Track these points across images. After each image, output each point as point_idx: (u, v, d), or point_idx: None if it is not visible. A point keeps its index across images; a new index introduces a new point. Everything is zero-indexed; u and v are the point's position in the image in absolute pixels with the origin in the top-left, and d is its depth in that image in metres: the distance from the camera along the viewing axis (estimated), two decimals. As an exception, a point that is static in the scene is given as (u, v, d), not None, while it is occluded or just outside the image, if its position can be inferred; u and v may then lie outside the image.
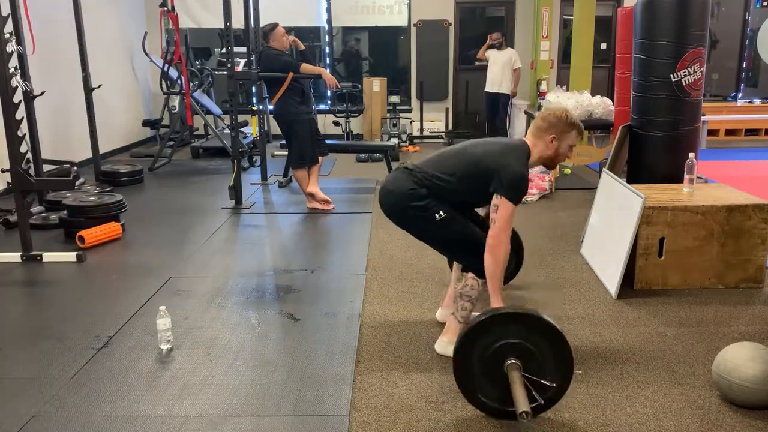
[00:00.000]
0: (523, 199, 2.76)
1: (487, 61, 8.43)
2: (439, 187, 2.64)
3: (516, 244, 3.43)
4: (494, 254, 2.53)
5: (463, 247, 2.71)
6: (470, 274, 2.71)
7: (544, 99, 7.22)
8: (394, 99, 9.41)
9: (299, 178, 5.44)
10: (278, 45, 5.34)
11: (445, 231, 2.67)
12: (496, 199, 2.53)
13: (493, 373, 2.23)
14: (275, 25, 5.40)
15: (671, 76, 3.96)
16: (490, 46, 8.39)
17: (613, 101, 6.14)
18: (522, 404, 2.03)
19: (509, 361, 2.19)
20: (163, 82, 7.67)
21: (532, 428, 2.25)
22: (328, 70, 9.68)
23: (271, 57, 5.27)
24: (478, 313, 2.79)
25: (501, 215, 2.52)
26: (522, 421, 2.03)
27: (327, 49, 9.81)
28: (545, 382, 2.19)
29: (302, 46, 5.55)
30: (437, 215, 2.63)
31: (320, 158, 5.52)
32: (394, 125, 8.99)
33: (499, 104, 8.50)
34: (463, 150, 2.73)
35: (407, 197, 2.65)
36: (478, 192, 2.61)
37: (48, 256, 4.11)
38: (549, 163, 2.76)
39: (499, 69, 8.31)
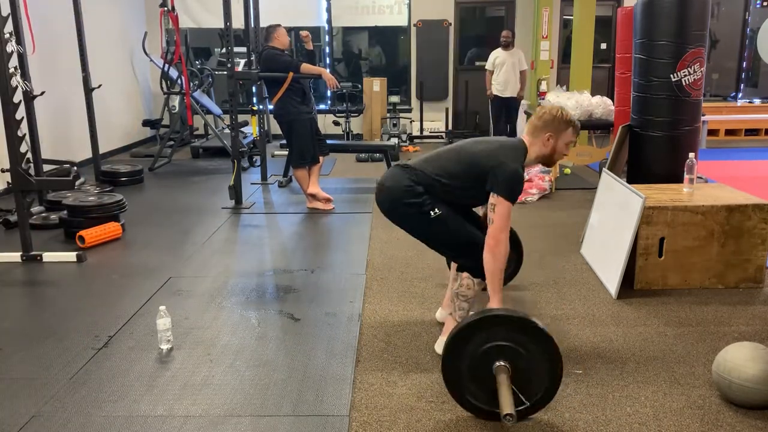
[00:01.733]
0: (521, 198, 2.75)
1: (493, 64, 7.92)
2: (436, 187, 2.64)
3: (515, 245, 3.43)
4: (494, 253, 2.53)
5: (458, 245, 2.70)
6: (465, 274, 2.71)
7: (544, 99, 7.21)
8: (394, 99, 9.41)
9: (300, 178, 5.44)
10: (279, 44, 5.35)
11: (440, 228, 2.67)
12: (493, 198, 2.54)
13: (481, 374, 2.22)
14: (276, 26, 5.41)
15: (671, 76, 3.96)
16: (501, 45, 7.90)
17: (613, 101, 6.14)
18: (507, 407, 2.03)
19: (498, 363, 2.18)
20: (163, 82, 7.67)
21: (532, 428, 2.25)
22: (328, 70, 9.72)
23: (271, 56, 5.27)
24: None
25: (498, 214, 2.52)
26: (507, 423, 2.01)
27: (327, 49, 9.81)
28: (522, 398, 2.21)
29: (311, 46, 5.55)
30: (432, 212, 2.63)
31: (321, 158, 5.52)
32: (394, 125, 8.99)
33: (512, 109, 8.04)
34: (459, 149, 2.73)
35: (403, 194, 2.65)
36: (475, 191, 2.62)
37: (48, 256, 4.11)
38: (546, 162, 2.75)
39: (510, 70, 7.84)
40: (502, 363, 2.18)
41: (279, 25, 5.42)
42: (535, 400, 2.24)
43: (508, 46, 7.86)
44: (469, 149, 2.69)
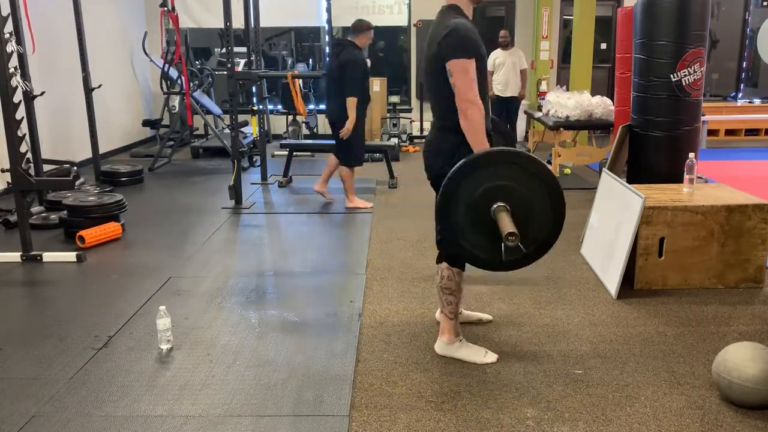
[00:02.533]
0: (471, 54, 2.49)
1: (492, 65, 7.84)
2: (453, 120, 2.52)
3: (504, 136, 3.29)
4: (467, 116, 2.43)
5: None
6: (443, 264, 2.71)
7: (544, 99, 7.22)
8: (394, 99, 9.40)
9: (346, 177, 5.44)
10: (361, 44, 5.25)
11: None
12: (448, 66, 2.43)
13: (480, 218, 2.13)
14: (369, 26, 5.30)
15: (671, 76, 3.97)
16: (499, 45, 7.85)
17: (613, 101, 6.14)
18: (508, 227, 1.94)
19: (496, 205, 2.11)
20: (163, 82, 7.67)
21: (532, 428, 2.25)
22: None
23: (353, 61, 5.11)
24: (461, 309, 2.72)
25: (457, 78, 2.43)
26: (509, 244, 1.93)
27: (327, 49, 9.80)
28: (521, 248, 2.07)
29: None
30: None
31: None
32: (394, 125, 8.98)
33: (511, 108, 7.96)
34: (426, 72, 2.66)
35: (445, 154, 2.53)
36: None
37: (48, 256, 4.11)
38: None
39: (510, 70, 7.79)
40: (500, 204, 2.10)
41: (371, 28, 5.29)
42: (541, 241, 2.14)
43: (506, 46, 7.80)
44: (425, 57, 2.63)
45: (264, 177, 6.57)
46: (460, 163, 2.15)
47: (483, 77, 2.56)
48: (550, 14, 9.05)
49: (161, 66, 7.61)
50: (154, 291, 3.59)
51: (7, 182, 5.44)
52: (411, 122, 9.43)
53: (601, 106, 6.20)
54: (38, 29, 5.26)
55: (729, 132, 9.21)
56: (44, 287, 3.74)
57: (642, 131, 4.18)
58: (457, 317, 2.79)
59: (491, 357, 2.75)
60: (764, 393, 2.30)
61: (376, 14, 9.64)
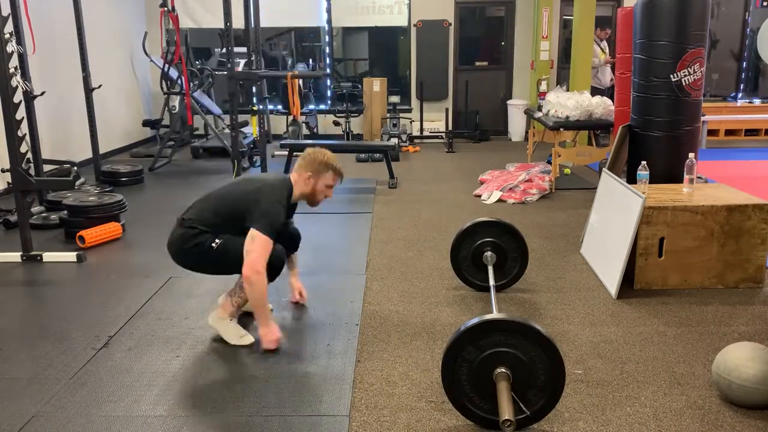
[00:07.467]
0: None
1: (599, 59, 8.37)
2: (207, 228, 2.83)
3: (521, 248, 3.43)
4: (251, 283, 2.69)
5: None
6: None
7: (543, 99, 7.22)
8: (394, 99, 9.40)
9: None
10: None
11: (224, 256, 2.81)
12: (252, 231, 2.69)
13: (482, 381, 2.20)
14: None
15: (671, 76, 3.96)
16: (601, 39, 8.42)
17: (613, 101, 6.14)
18: (506, 412, 2.01)
19: (498, 370, 2.17)
20: (163, 82, 7.67)
21: (532, 429, 2.25)
22: (328, 71, 9.69)
23: None
24: None
25: (255, 247, 2.67)
26: (506, 429, 1.99)
27: (327, 49, 9.81)
28: (523, 407, 2.18)
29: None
30: (213, 245, 2.80)
31: None
32: (394, 125, 8.98)
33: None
34: (227, 193, 2.92)
35: (182, 242, 2.84)
36: (243, 228, 2.76)
37: (48, 256, 4.11)
38: (309, 200, 2.97)
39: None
40: (502, 370, 2.16)
41: None
42: (536, 410, 2.22)
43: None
44: (234, 191, 2.89)
45: (264, 177, 6.55)
46: (471, 324, 2.20)
47: None
48: (550, 14, 9.05)
49: (161, 66, 7.60)
50: (154, 291, 3.59)
51: (7, 182, 5.44)
52: (411, 122, 9.43)
53: (601, 106, 6.19)
54: (38, 29, 5.26)
55: (729, 132, 9.21)
56: (44, 287, 3.74)
57: (642, 131, 4.18)
58: (240, 307, 2.97)
59: (247, 340, 2.91)
60: (764, 393, 2.30)
61: (376, 14, 9.64)
